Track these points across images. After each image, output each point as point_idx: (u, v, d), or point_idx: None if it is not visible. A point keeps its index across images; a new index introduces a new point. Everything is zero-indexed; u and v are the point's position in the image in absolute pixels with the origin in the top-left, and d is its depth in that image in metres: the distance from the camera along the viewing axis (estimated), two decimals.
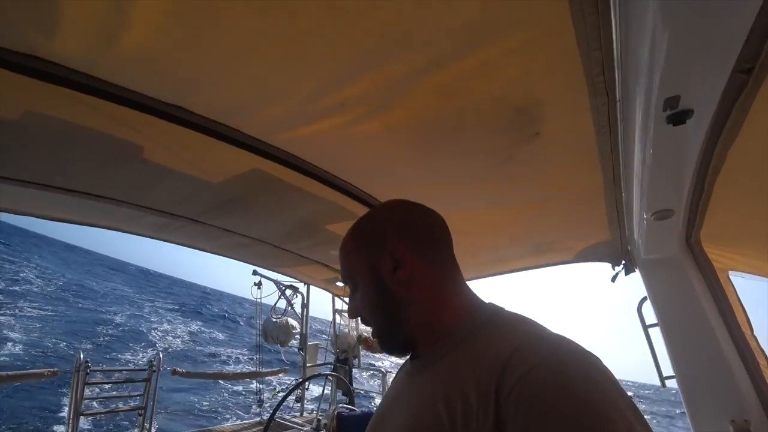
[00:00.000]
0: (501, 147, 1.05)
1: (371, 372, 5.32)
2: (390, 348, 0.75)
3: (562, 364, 0.51)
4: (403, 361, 0.82)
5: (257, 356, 5.38)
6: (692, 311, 1.75)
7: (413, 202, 0.78)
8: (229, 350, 24.10)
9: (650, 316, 1.93)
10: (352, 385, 4.67)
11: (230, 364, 20.55)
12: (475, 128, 0.98)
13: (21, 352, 14.42)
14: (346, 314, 4.68)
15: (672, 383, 1.89)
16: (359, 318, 0.77)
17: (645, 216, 1.37)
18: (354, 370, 5.00)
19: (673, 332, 1.84)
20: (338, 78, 0.82)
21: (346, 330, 4.90)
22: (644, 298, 1.93)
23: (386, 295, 0.71)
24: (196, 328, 29.64)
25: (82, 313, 24.02)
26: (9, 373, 3.55)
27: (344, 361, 4.83)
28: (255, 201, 1.64)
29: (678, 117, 0.82)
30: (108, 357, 15.69)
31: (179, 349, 21.32)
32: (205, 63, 0.80)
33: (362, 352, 4.93)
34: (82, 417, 3.73)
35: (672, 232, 1.58)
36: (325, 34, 0.70)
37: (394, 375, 0.88)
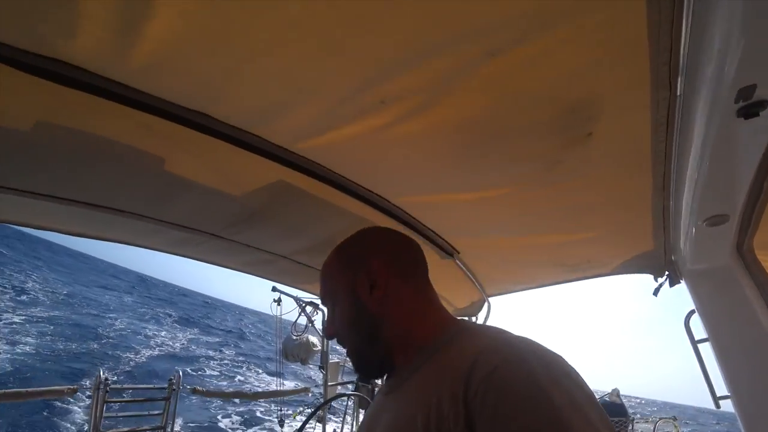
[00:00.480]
0: (550, 150, 0.96)
1: None
2: (365, 369, 0.79)
3: (524, 361, 0.54)
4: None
5: (277, 379, 5.29)
6: (746, 324, 1.62)
7: (394, 230, 0.88)
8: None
9: (699, 331, 1.80)
10: None
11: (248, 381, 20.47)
12: (525, 129, 0.89)
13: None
14: None
15: (726, 404, 1.74)
16: (335, 339, 0.81)
17: (696, 223, 1.27)
18: (377, 389, 4.86)
19: (726, 348, 1.70)
20: (381, 72, 0.74)
21: None
22: (692, 312, 1.79)
23: (362, 312, 0.76)
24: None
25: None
26: (29, 390, 3.57)
27: (367, 380, 4.67)
28: (279, 215, 1.57)
29: (751, 109, 0.73)
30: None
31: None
32: (232, 60, 0.73)
33: None
34: None
35: (723, 240, 1.47)
36: (369, 21, 0.63)
37: None
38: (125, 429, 4.62)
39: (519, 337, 0.62)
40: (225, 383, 19.34)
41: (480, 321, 3.21)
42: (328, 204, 1.40)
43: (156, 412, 4.36)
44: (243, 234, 1.81)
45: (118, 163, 1.20)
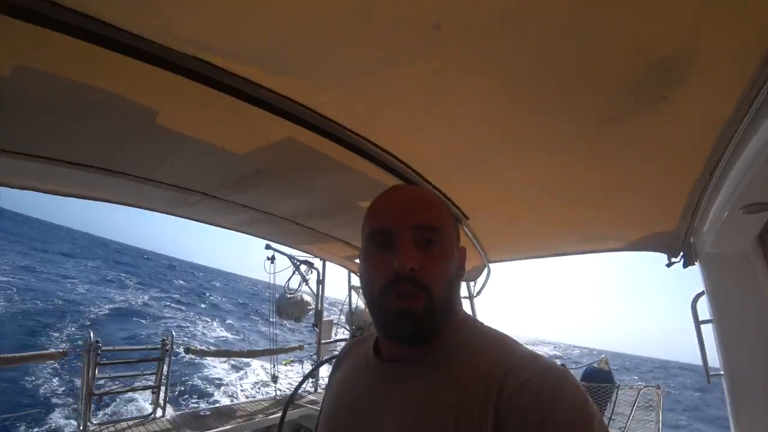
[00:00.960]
0: (609, 108, 0.83)
1: None
2: (417, 328, 0.63)
3: (552, 377, 0.56)
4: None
5: (271, 331, 5.36)
6: (753, 308, 1.63)
7: None
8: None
9: (703, 314, 1.82)
10: None
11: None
12: (588, 79, 0.76)
13: None
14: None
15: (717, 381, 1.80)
16: (414, 272, 0.61)
17: (732, 209, 1.22)
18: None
19: (728, 329, 1.72)
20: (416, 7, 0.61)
21: (363, 307, 4.76)
22: (700, 294, 1.79)
23: (459, 275, 0.69)
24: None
25: None
26: (17, 354, 3.52)
27: None
28: (282, 175, 1.46)
29: None
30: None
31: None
32: None
33: None
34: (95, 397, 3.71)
35: (750, 227, 1.43)
36: None
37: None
38: (118, 389, 4.67)
39: (538, 354, 0.62)
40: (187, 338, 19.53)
41: (478, 285, 3.25)
42: (334, 163, 1.28)
43: (150, 372, 4.38)
44: (240, 195, 1.72)
45: (110, 119, 1.08)
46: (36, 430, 7.20)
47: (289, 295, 4.98)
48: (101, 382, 3.95)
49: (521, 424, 0.51)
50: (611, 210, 1.52)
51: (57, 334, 15.10)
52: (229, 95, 0.88)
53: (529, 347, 0.64)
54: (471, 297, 3.44)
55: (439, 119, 1.00)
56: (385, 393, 0.66)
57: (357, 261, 3.51)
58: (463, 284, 3.43)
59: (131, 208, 2.18)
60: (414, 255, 0.61)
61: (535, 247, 2.40)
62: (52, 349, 3.68)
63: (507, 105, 0.90)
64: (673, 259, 1.80)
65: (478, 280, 3.25)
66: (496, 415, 0.53)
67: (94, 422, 3.73)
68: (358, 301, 4.84)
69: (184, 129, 1.12)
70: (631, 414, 3.88)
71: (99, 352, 3.66)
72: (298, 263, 4.98)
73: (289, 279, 5.07)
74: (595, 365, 4.30)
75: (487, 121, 0.98)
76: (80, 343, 3.81)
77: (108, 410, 7.47)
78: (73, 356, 4.12)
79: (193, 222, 2.40)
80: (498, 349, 0.62)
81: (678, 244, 1.75)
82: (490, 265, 2.78)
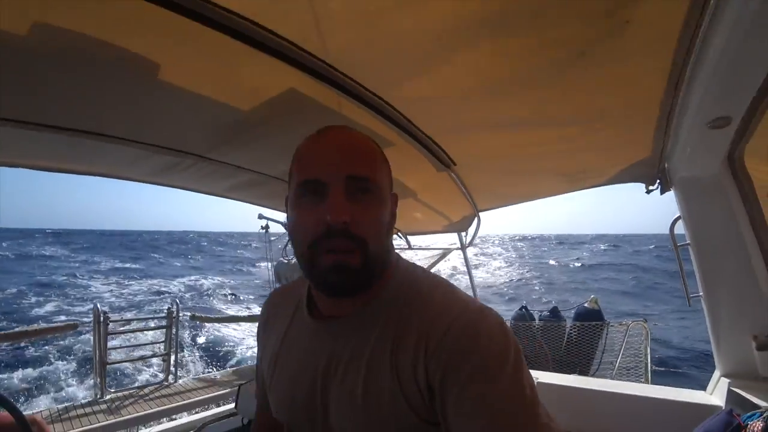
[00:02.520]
0: (579, 39, 0.88)
1: None
2: (354, 281, 0.60)
3: (470, 319, 0.57)
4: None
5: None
6: (727, 231, 1.71)
7: None
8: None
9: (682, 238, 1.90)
10: None
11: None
12: (561, 10, 0.79)
13: None
14: None
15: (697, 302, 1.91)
16: (348, 225, 0.58)
17: (699, 123, 1.27)
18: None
19: (705, 251, 1.82)
20: None
21: None
22: (677, 218, 1.88)
23: (392, 224, 0.67)
24: None
25: None
26: (28, 328, 3.63)
27: None
28: (280, 128, 1.42)
29: None
30: None
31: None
32: None
33: None
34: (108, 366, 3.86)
35: (718, 147, 1.49)
36: None
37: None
38: (129, 358, 4.85)
39: (465, 297, 0.63)
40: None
41: (470, 236, 3.32)
42: (336, 114, 1.27)
43: (159, 340, 4.54)
44: (235, 153, 1.70)
45: (94, 69, 0.97)
46: (55, 399, 7.48)
47: (285, 260, 5.06)
48: (112, 351, 4.10)
49: (444, 372, 0.54)
50: (588, 143, 1.57)
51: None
52: (228, 36, 0.83)
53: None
54: (463, 247, 3.53)
55: (427, 66, 1.03)
56: (330, 352, 0.65)
57: None
58: (455, 235, 3.50)
59: (118, 182, 2.00)
60: (347, 207, 0.58)
61: (523, 192, 2.47)
62: (65, 322, 3.78)
63: (488, 48, 0.93)
64: (651, 187, 1.87)
65: (469, 230, 3.32)
66: (426, 368, 0.56)
67: (111, 390, 3.91)
68: None
69: (177, 80, 1.05)
70: (621, 350, 4.11)
71: (108, 323, 3.78)
72: None
73: (286, 244, 5.12)
74: (586, 305, 4.48)
75: (471, 64, 1.01)
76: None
77: (122, 379, 7.76)
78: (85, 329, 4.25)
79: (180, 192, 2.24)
80: (429, 298, 0.63)
81: (653, 172, 1.82)
82: (480, 213, 2.85)
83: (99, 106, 1.21)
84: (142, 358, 4.86)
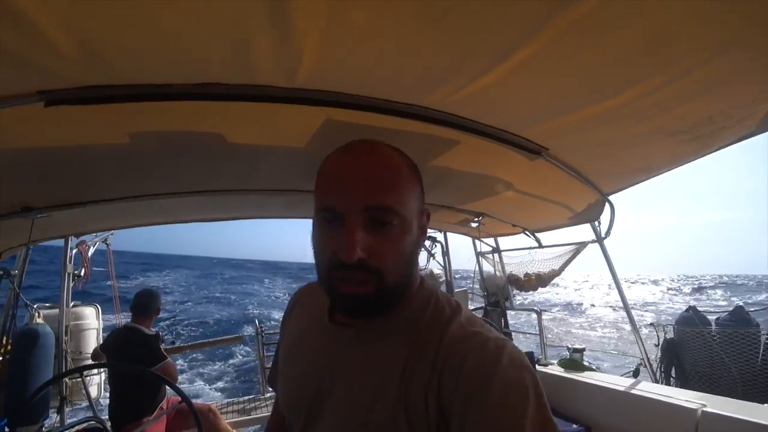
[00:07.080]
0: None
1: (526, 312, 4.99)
2: (365, 309, 0.59)
3: (487, 352, 0.54)
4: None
5: None
6: None
7: None
8: None
9: None
10: (507, 327, 4.49)
11: None
12: None
13: None
14: (490, 256, 4.46)
15: None
16: (360, 261, 0.55)
17: None
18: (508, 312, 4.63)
19: None
20: None
21: (493, 272, 4.59)
22: None
23: (419, 244, 0.65)
24: None
25: None
26: (207, 340, 4.67)
27: (495, 304, 4.57)
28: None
29: None
30: None
31: None
32: None
33: (513, 292, 4.59)
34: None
35: None
36: None
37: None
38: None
39: (484, 326, 0.60)
40: None
41: (604, 227, 2.87)
42: (384, 131, 1.41)
43: None
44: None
45: (204, 151, 1.59)
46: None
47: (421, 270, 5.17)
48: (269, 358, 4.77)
49: (461, 404, 0.51)
50: (707, 77, 1.10)
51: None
52: (268, 103, 1.15)
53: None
54: (599, 239, 3.03)
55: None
56: (341, 358, 0.65)
57: (473, 224, 3.42)
58: (588, 226, 3.05)
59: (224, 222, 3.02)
60: (363, 242, 0.55)
61: (641, 163, 1.93)
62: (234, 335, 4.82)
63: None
64: None
65: (602, 219, 2.88)
66: (439, 395, 0.54)
67: (270, 390, 4.49)
68: (489, 268, 4.67)
69: (239, 138, 1.51)
70: None
71: (263, 335, 4.41)
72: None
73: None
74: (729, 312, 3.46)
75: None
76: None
77: None
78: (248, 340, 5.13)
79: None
80: (446, 325, 0.61)
81: None
82: (610, 197, 2.42)
83: (209, 173, 1.91)
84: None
